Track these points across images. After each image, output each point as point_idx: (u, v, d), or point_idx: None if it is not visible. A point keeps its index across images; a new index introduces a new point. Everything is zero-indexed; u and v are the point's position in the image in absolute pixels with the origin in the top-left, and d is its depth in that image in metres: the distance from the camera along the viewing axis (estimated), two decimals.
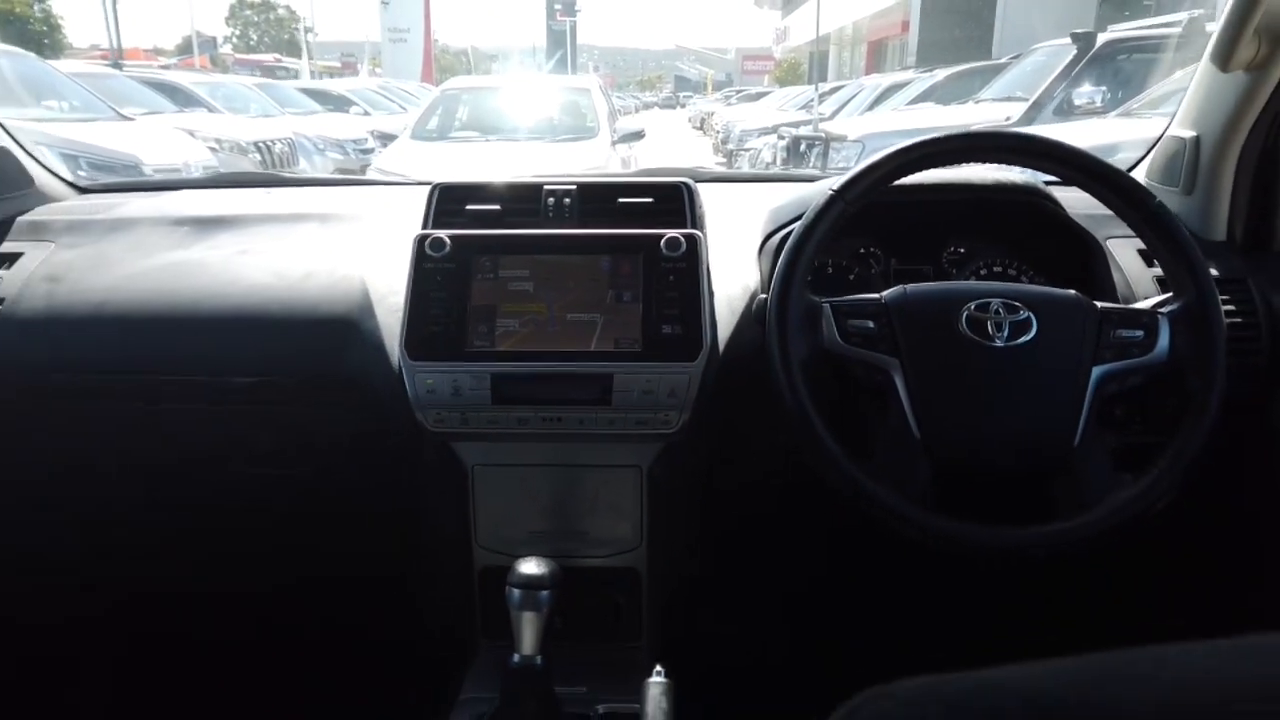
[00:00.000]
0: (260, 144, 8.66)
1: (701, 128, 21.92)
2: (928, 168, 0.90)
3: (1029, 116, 5.57)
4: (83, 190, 1.35)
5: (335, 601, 1.23)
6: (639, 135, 6.63)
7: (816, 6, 11.79)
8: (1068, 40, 5.76)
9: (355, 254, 1.10)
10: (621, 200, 1.05)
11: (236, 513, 1.18)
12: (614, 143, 6.27)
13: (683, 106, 41.77)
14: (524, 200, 1.06)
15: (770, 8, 43.40)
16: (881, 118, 7.89)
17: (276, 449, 1.12)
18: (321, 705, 1.09)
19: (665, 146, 15.57)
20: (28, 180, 1.26)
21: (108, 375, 1.06)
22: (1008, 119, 5.72)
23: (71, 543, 1.22)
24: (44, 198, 1.27)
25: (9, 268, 1.11)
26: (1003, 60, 8.25)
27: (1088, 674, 0.24)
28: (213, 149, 7.44)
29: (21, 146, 1.27)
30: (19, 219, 1.20)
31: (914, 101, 8.18)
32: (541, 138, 6.51)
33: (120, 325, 1.05)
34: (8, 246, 1.15)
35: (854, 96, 10.39)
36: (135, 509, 1.19)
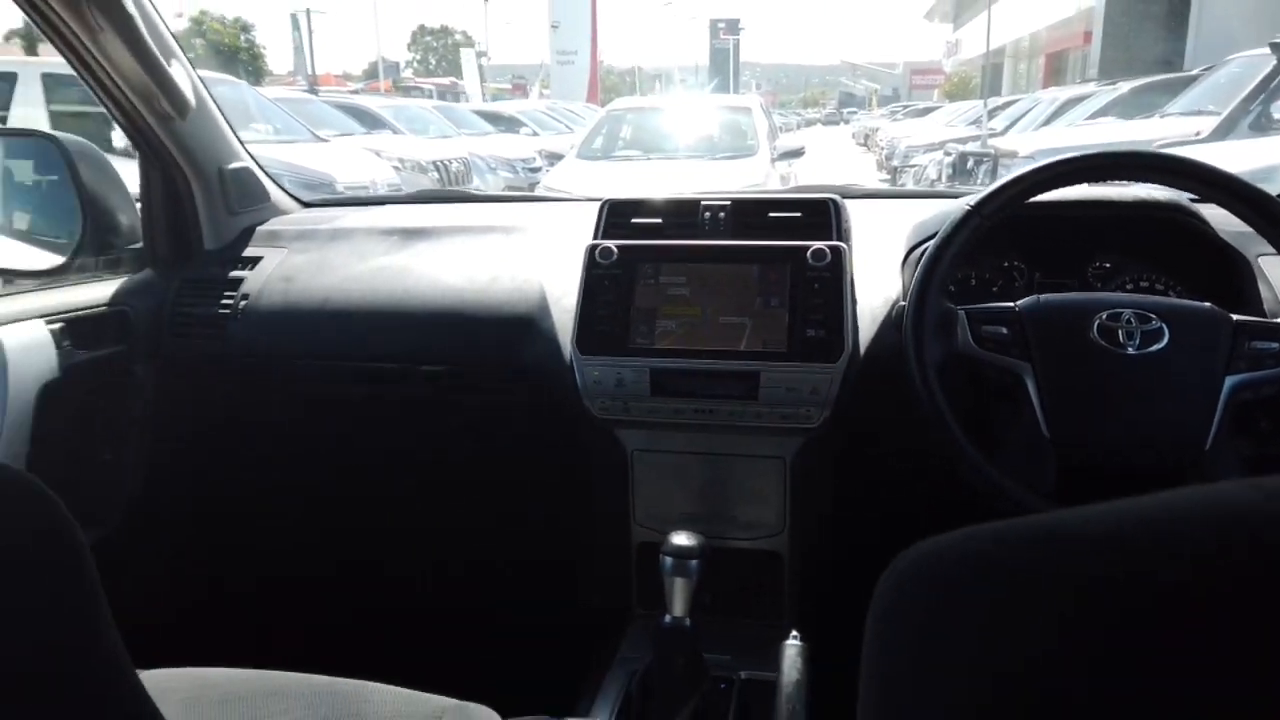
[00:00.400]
0: (438, 163, 9.22)
1: (865, 144, 21.60)
2: (1065, 185, 0.94)
3: (1221, 131, 5.23)
4: (306, 204, 1.57)
5: (511, 564, 1.37)
6: (798, 153, 6.64)
7: (988, 18, 11.44)
8: (1267, 50, 5.38)
9: (534, 261, 1.24)
10: (772, 214, 1.14)
11: (428, 483, 1.35)
12: (773, 160, 6.32)
13: (846, 123, 41.18)
14: (683, 214, 1.17)
15: (941, 20, 42.12)
16: (1056, 133, 7.57)
17: (466, 430, 1.28)
18: (496, 659, 1.23)
19: (826, 163, 15.44)
20: (265, 195, 1.47)
21: (329, 361, 1.24)
22: (1197, 134, 5.40)
23: (288, 505, 1.42)
24: (277, 210, 1.49)
25: (252, 269, 1.32)
26: (1194, 72, 7.75)
27: (1090, 512, 0.30)
28: (396, 168, 8.00)
29: (261, 167, 1.49)
30: (259, 228, 1.42)
31: (1094, 116, 7.80)
32: (702, 156, 6.64)
33: (341, 319, 1.24)
34: (250, 251, 1.37)
35: (1028, 111, 10.01)
36: (344, 476, 1.38)
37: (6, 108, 5.95)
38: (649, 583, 1.14)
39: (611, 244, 1.12)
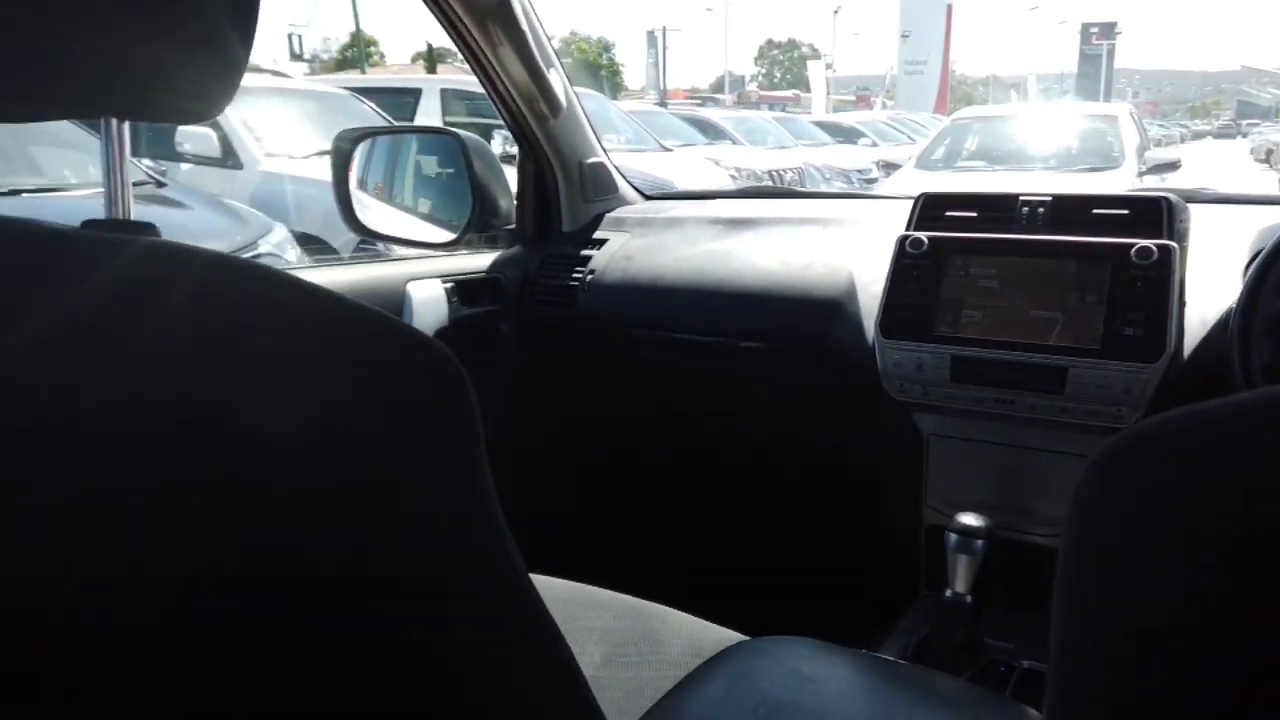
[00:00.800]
0: (773, 173, 9.44)
1: (1266, 160, 18.78)
2: None
3: None
4: (648, 197, 1.76)
5: (803, 531, 1.45)
6: (1172, 166, 5.99)
7: None
8: None
9: (846, 250, 1.31)
10: (1096, 211, 1.11)
11: (733, 444, 1.47)
12: (1140, 174, 5.78)
13: (1244, 136, 35.99)
14: (1000, 209, 1.17)
15: None
16: None
17: (771, 401, 1.38)
18: (780, 614, 1.32)
19: (1208, 180, 13.63)
20: (614, 187, 1.68)
21: (657, 330, 1.40)
22: None
23: (612, 448, 1.60)
24: (623, 201, 1.69)
25: (599, 249, 1.52)
26: None
27: None
28: (733, 176, 8.33)
29: (612, 164, 1.69)
30: (607, 215, 1.62)
31: None
32: (1056, 168, 6.22)
33: (669, 295, 1.39)
34: (599, 234, 1.57)
35: None
36: (661, 428, 1.54)
37: (413, 116, 7.05)
38: (936, 565, 1.17)
39: (923, 235, 1.15)
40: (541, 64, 1.39)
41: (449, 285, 1.40)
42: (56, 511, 0.53)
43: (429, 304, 1.35)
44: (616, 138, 8.55)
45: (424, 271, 1.39)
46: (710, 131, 11.57)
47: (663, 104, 16.52)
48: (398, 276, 1.35)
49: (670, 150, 8.68)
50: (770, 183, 8.89)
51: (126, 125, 0.62)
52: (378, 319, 0.49)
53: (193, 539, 0.52)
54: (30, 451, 0.51)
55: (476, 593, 0.58)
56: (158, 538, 0.52)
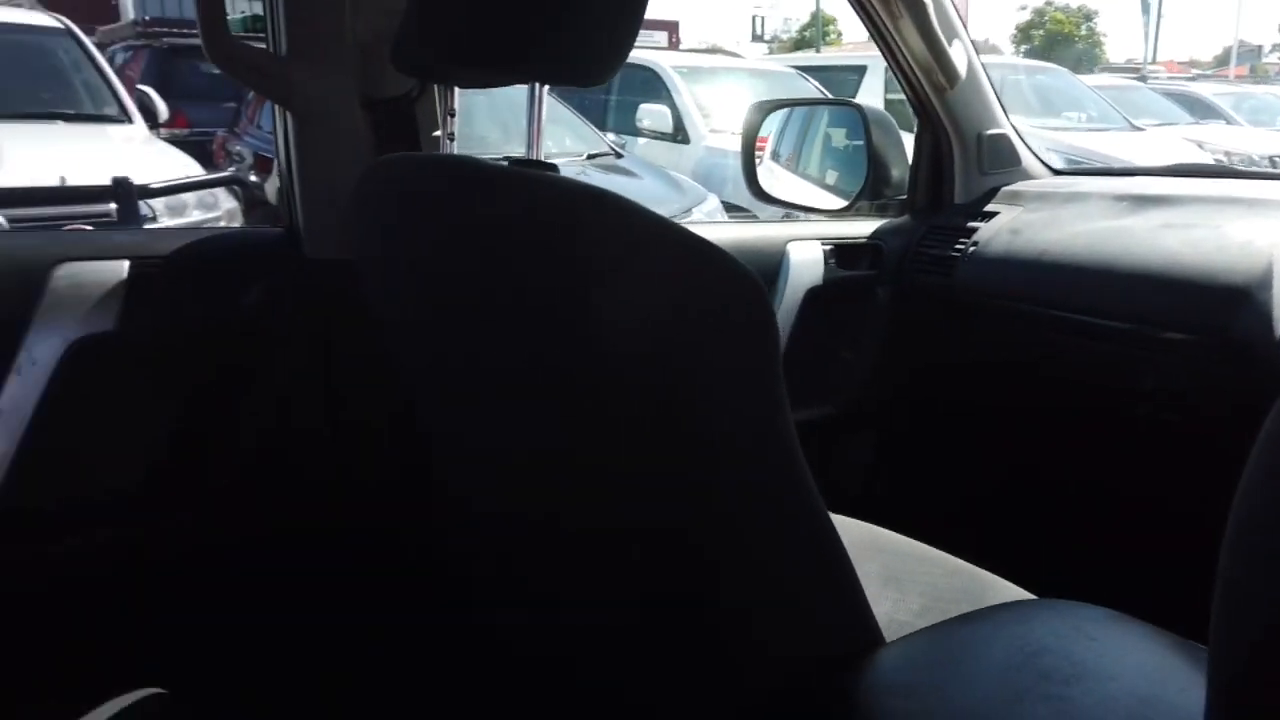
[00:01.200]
0: (1272, 158, 8.04)
1: None
2: None
3: None
4: (1056, 172, 1.66)
5: (1179, 531, 1.31)
6: None
7: None
8: None
9: (1272, 232, 1.15)
10: None
11: (1101, 434, 1.36)
12: None
13: None
14: None
15: None
16: None
17: (1151, 388, 1.25)
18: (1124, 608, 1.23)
19: None
20: (1016, 160, 1.61)
21: (1036, 307, 1.35)
22: None
23: (978, 419, 1.57)
24: (1026, 175, 1.62)
25: (986, 221, 1.49)
26: None
27: None
28: (1218, 160, 7.23)
29: (1020, 136, 1.63)
30: (1004, 189, 1.57)
31: None
32: None
33: (1055, 271, 1.32)
34: (990, 207, 1.53)
35: None
36: (1028, 409, 1.47)
37: (855, 93, 7.13)
38: None
39: None
40: (940, 34, 1.40)
41: (828, 248, 1.48)
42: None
43: (806, 264, 1.45)
44: (1077, 115, 7.89)
45: (806, 234, 1.49)
46: (1198, 109, 10.15)
47: (1141, 78, 14.59)
48: (780, 237, 1.46)
49: (1141, 130, 7.79)
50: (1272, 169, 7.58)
51: (546, 88, 0.80)
52: (707, 248, 0.60)
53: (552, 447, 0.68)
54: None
55: (763, 504, 0.68)
56: (537, 442, 0.70)
